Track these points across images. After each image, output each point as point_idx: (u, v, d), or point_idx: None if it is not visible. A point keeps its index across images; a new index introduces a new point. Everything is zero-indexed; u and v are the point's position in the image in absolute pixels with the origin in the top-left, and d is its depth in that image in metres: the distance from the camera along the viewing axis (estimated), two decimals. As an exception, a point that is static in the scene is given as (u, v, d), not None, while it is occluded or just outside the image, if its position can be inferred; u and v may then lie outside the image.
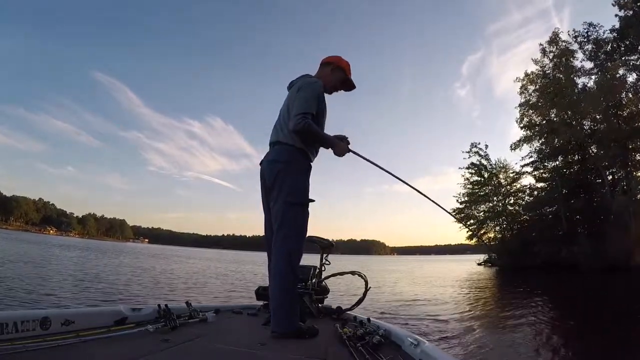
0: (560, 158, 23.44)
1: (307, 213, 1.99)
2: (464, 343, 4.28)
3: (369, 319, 2.19)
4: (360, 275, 2.86)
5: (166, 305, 1.89)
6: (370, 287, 2.79)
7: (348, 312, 2.64)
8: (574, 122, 21.34)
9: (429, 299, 8.40)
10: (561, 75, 22.11)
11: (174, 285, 9.14)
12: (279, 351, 1.55)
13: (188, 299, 2.32)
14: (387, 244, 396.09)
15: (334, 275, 2.90)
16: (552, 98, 21.69)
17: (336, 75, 2.16)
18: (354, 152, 2.10)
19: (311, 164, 2.07)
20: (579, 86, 21.68)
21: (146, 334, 1.61)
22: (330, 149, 2.04)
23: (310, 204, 2.00)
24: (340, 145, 2.01)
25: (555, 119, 22.41)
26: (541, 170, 24.58)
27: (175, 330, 1.74)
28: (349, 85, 2.24)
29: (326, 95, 2.14)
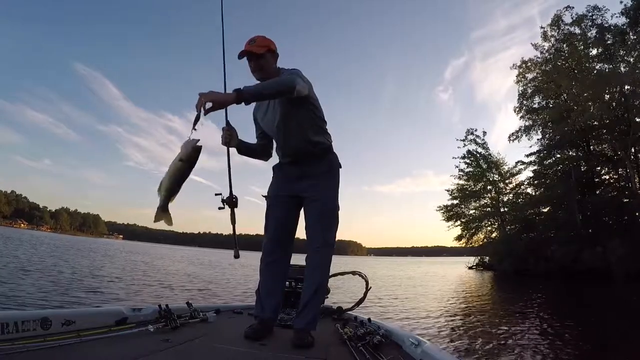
0: (572, 147, 21.02)
1: (268, 208, 1.98)
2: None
3: (369, 319, 2.19)
4: (361, 276, 2.88)
5: (167, 305, 1.88)
6: (371, 287, 2.80)
7: (349, 312, 2.65)
8: (590, 103, 18.81)
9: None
10: (578, 50, 19.95)
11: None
12: (280, 351, 1.56)
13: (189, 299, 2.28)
14: (363, 245, 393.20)
15: (334, 275, 2.90)
16: (568, 73, 19.74)
17: None
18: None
19: (278, 162, 2.04)
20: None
21: (147, 334, 1.60)
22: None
23: (267, 201, 2.00)
24: None
25: (568, 101, 20.38)
26: (550, 161, 22.16)
27: (175, 330, 1.74)
28: None
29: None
